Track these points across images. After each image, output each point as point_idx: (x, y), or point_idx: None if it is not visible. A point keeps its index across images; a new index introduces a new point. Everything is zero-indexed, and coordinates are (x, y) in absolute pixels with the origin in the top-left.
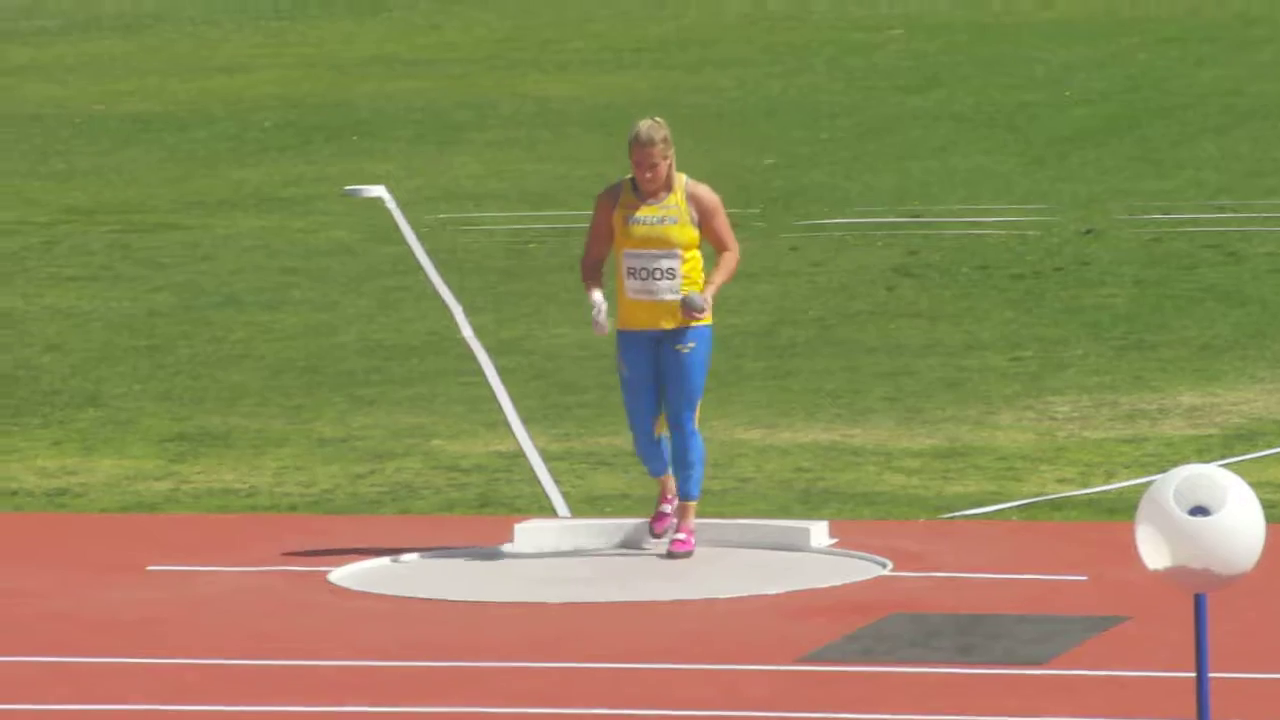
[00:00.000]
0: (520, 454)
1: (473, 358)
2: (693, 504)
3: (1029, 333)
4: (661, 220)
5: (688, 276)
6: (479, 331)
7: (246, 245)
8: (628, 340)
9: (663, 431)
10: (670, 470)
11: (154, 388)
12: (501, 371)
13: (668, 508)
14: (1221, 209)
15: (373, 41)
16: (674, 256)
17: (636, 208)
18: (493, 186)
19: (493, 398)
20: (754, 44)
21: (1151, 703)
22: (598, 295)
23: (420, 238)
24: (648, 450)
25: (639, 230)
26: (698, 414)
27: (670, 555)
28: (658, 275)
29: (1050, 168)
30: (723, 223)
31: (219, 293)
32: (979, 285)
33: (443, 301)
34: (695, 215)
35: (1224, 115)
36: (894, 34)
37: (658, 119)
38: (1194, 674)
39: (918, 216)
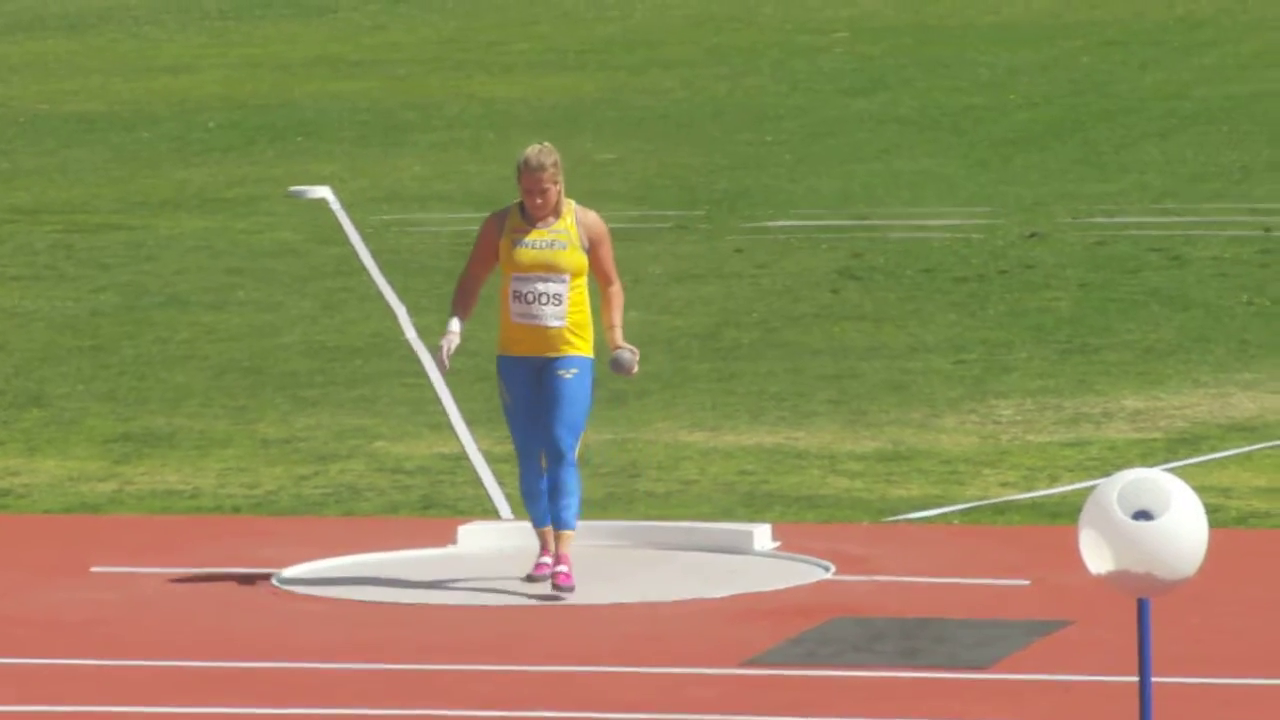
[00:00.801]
0: (464, 456)
1: (417, 359)
2: (570, 534)
3: (973, 336)
4: (551, 245)
5: (575, 305)
6: (423, 333)
7: (190, 246)
8: (509, 366)
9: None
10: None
11: (98, 388)
12: (445, 374)
13: (547, 559)
14: (1165, 212)
15: (317, 42)
16: (562, 282)
17: (526, 232)
18: (437, 188)
19: (436, 400)
20: (700, 46)
21: (1094, 707)
22: (455, 325)
23: (364, 239)
24: (533, 486)
25: (526, 255)
26: (579, 446)
27: (556, 589)
28: (544, 300)
29: (994, 171)
30: (608, 252)
31: (163, 293)
32: (923, 288)
33: (387, 303)
34: (585, 241)
35: (1168, 119)
36: (839, 37)
37: (546, 144)
38: (1137, 678)
39: (862, 219)
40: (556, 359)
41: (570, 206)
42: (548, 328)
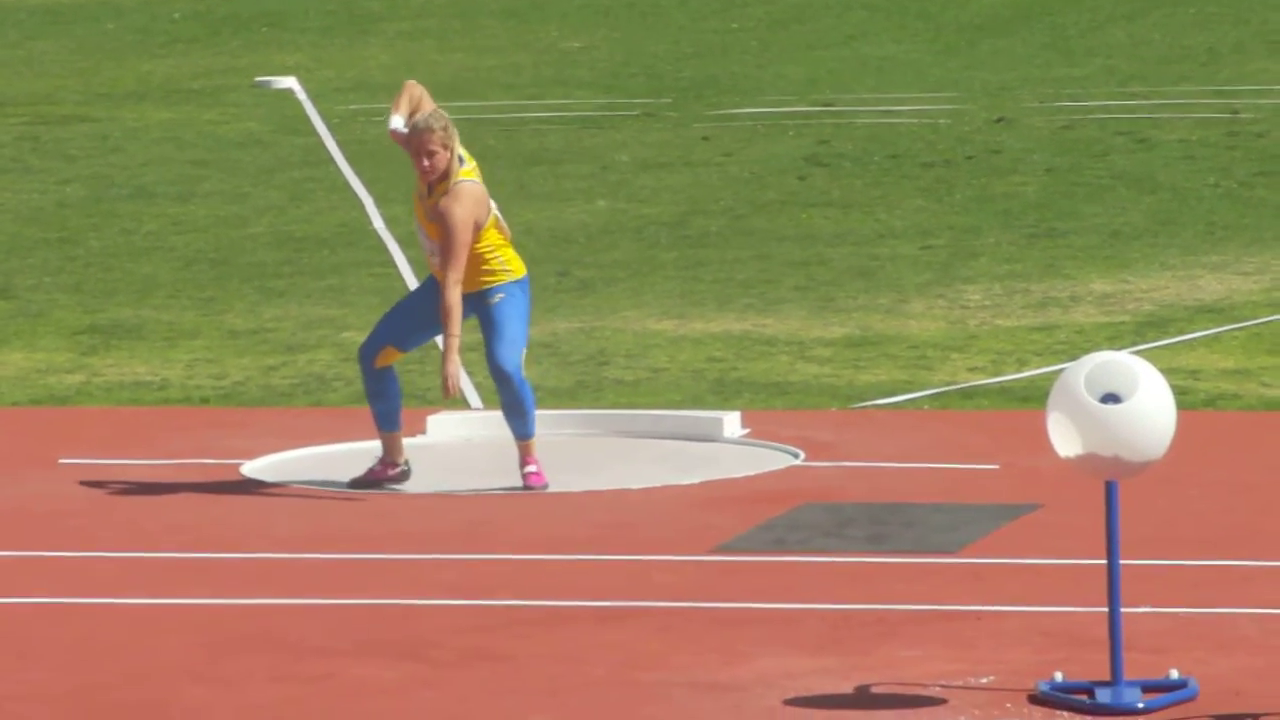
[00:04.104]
0: (433, 346)
1: (384, 249)
2: (531, 441)
3: (940, 221)
4: (429, 214)
5: (478, 258)
6: (390, 223)
7: (156, 137)
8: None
9: (386, 365)
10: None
11: (64, 280)
12: (413, 263)
13: (385, 470)
14: (1132, 96)
15: None
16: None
17: (424, 198)
18: (404, 77)
19: (405, 290)
20: None
21: (1062, 590)
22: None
23: (331, 129)
24: (369, 377)
25: (423, 219)
26: (522, 361)
27: (528, 489)
28: (437, 263)
29: (961, 56)
30: (446, 235)
31: (129, 185)
32: (890, 174)
33: (354, 193)
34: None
35: (1134, 1)
36: None
37: (438, 109)
38: (1105, 561)
39: (829, 106)
40: (479, 292)
41: (450, 182)
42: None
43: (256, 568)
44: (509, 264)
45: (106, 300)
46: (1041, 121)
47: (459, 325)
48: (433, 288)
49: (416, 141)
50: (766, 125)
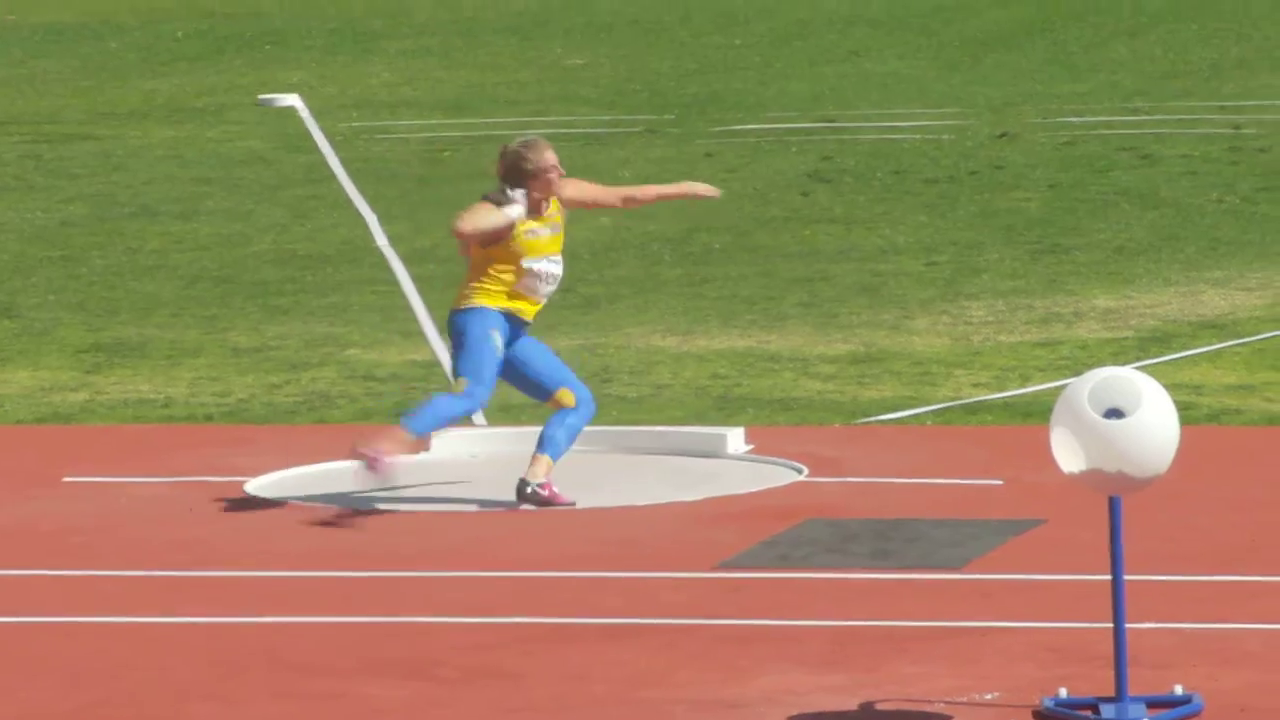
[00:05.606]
0: (436, 363)
1: (387, 266)
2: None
3: (944, 237)
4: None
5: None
6: (393, 240)
7: (159, 155)
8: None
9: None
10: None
11: (68, 298)
12: (416, 280)
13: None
14: (1135, 111)
15: None
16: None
17: (539, 219)
18: (406, 94)
19: (408, 307)
20: None
21: (1067, 605)
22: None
23: (334, 146)
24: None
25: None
26: (465, 389)
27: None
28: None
29: (964, 71)
30: (585, 203)
31: (132, 203)
32: (893, 190)
33: (357, 210)
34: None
35: (1137, 17)
36: None
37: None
38: (1109, 576)
39: (832, 122)
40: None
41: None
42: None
43: (261, 586)
44: (473, 297)
45: (110, 319)
46: (1044, 137)
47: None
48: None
49: (541, 161)
50: (770, 142)
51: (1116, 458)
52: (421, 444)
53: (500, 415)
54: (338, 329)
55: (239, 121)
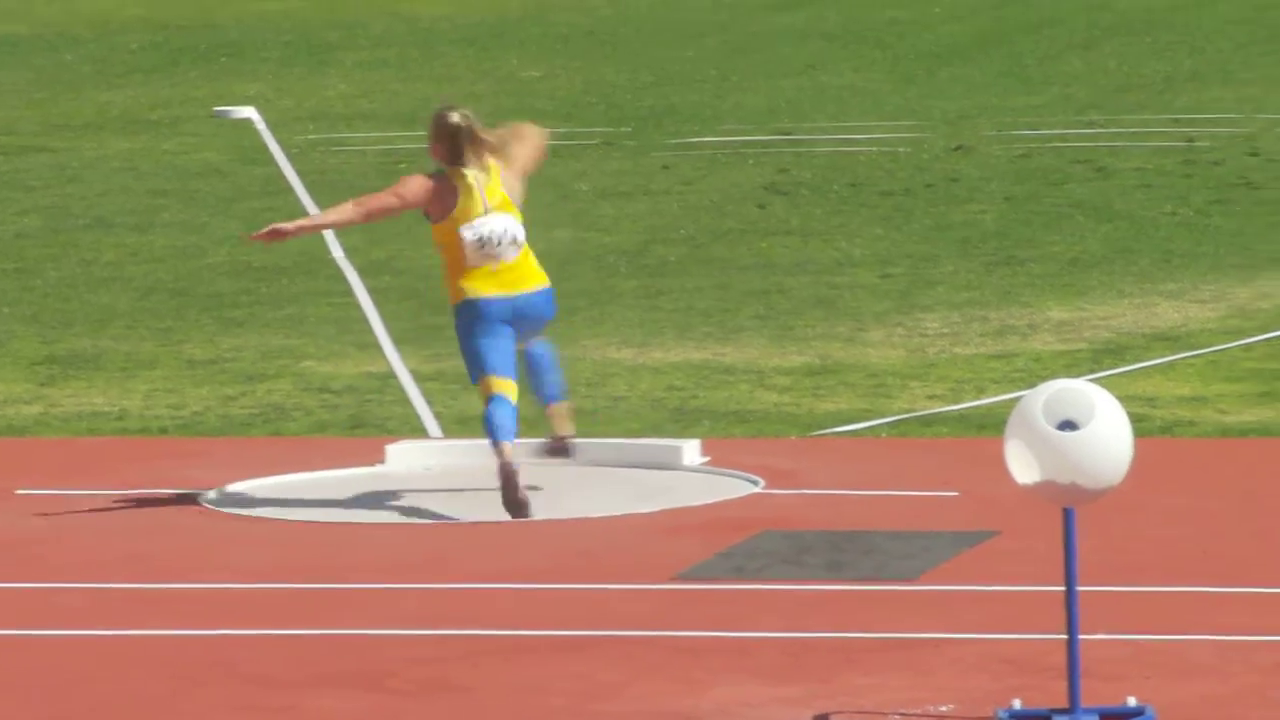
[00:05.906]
0: (392, 375)
1: (343, 278)
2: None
3: (899, 249)
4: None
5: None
6: (350, 252)
7: (115, 167)
8: None
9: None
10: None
11: (22, 311)
12: (372, 292)
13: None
14: (1090, 124)
15: None
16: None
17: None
18: (363, 106)
19: (364, 319)
20: None
21: (1021, 616)
22: None
23: (290, 159)
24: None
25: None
26: (481, 386)
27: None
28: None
29: (919, 84)
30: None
31: (87, 215)
32: (849, 203)
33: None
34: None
35: (1091, 30)
36: None
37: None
38: (1063, 587)
39: (788, 134)
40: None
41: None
42: None
43: (216, 598)
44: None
45: (64, 331)
46: (999, 150)
47: (326, 219)
48: (505, 321)
49: (471, 127)
50: (726, 154)
51: (1070, 469)
52: (512, 450)
53: (457, 428)
54: (293, 341)
55: (195, 134)
